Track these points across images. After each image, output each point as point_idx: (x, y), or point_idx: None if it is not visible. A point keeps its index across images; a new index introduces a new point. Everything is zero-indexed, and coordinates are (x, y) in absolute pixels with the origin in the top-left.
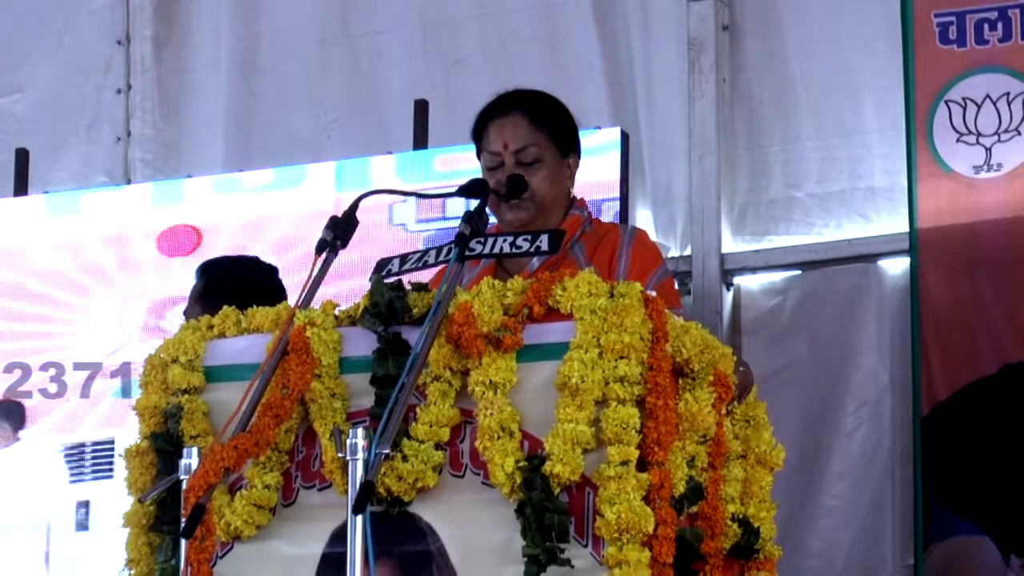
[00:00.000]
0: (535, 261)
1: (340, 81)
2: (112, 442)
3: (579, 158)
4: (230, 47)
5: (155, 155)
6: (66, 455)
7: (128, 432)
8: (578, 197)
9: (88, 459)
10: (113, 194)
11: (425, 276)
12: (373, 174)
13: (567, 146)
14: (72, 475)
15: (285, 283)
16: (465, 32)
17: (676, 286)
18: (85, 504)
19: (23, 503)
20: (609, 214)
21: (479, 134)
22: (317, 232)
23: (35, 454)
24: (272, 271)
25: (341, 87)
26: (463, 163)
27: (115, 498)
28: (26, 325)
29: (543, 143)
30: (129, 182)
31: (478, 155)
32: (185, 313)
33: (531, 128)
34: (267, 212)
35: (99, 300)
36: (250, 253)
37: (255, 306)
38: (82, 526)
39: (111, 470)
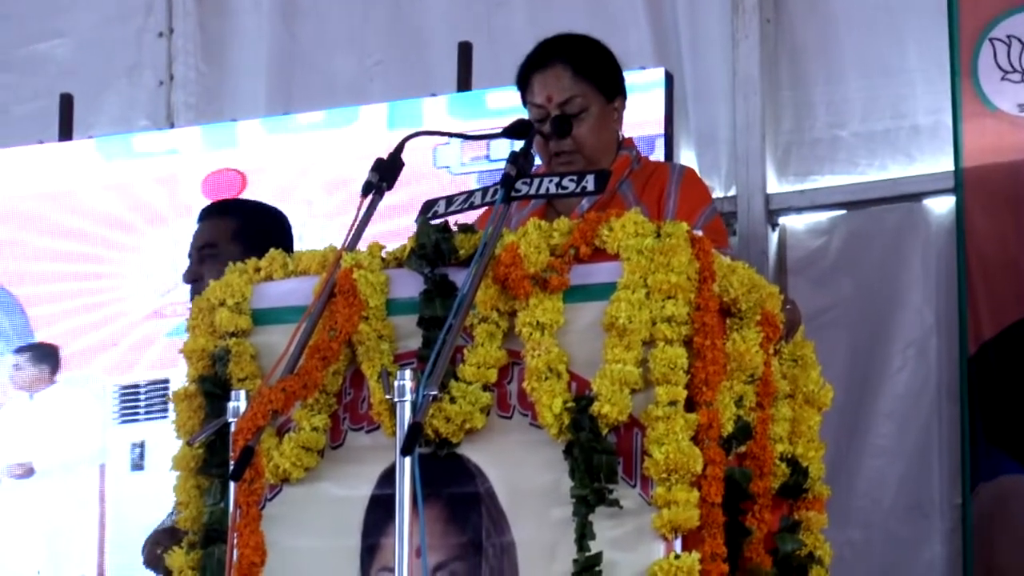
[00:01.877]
0: (584, 202)
1: (382, 23)
2: (167, 382)
3: (625, 99)
4: None
5: (198, 98)
6: (120, 396)
7: (181, 373)
8: (626, 136)
9: (142, 399)
10: (164, 136)
11: (472, 217)
12: (425, 114)
13: (612, 91)
14: (126, 415)
15: (337, 224)
16: None
17: (724, 225)
18: (140, 444)
19: (77, 443)
20: (655, 153)
21: (523, 85)
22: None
23: (87, 394)
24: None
25: (383, 29)
26: (516, 101)
27: (170, 438)
28: (79, 266)
29: (587, 93)
30: (172, 126)
31: (524, 103)
32: (208, 254)
33: (574, 79)
34: (317, 153)
35: (151, 241)
36: (300, 194)
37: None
38: (137, 466)
39: (165, 410)
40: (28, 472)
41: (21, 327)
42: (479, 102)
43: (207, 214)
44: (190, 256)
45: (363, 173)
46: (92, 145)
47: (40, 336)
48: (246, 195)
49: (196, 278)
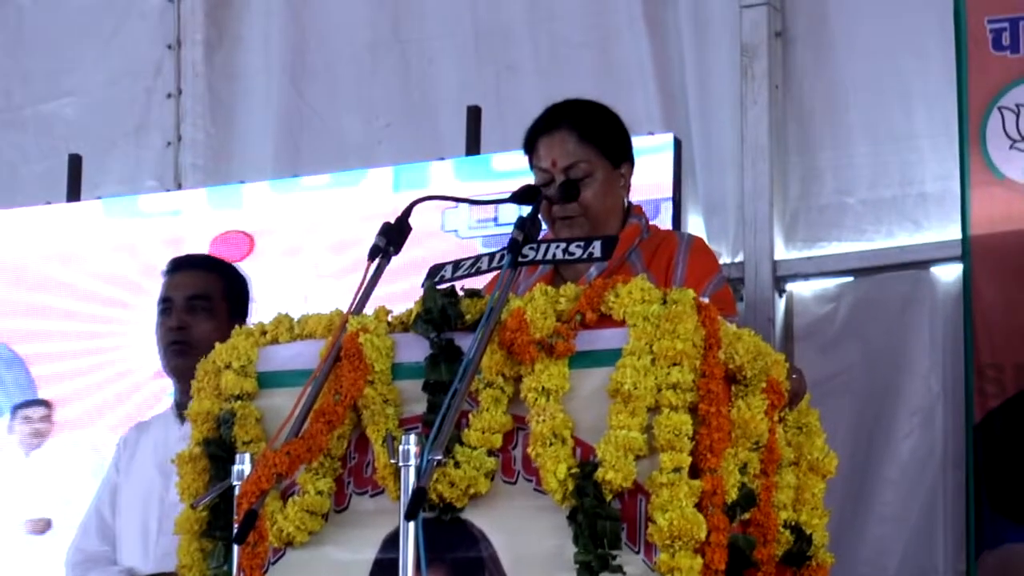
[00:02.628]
0: (593, 270)
1: (391, 86)
2: None
3: (633, 166)
4: (281, 52)
5: (206, 160)
6: None
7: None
8: (635, 204)
9: None
10: (170, 197)
11: (479, 283)
12: (431, 176)
13: (618, 157)
14: None
15: (343, 285)
16: (516, 38)
17: (732, 294)
18: None
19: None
20: (661, 217)
21: (530, 149)
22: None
23: (87, 449)
24: None
25: (392, 92)
26: (522, 163)
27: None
28: (84, 325)
29: (593, 158)
30: (180, 187)
31: (530, 167)
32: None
33: (579, 144)
34: (323, 214)
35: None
36: (307, 255)
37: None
38: None
39: None
40: (47, 527)
41: (25, 385)
42: (484, 165)
43: (192, 265)
44: (169, 301)
45: (369, 234)
46: (99, 206)
47: (43, 394)
48: (253, 257)
49: (183, 326)
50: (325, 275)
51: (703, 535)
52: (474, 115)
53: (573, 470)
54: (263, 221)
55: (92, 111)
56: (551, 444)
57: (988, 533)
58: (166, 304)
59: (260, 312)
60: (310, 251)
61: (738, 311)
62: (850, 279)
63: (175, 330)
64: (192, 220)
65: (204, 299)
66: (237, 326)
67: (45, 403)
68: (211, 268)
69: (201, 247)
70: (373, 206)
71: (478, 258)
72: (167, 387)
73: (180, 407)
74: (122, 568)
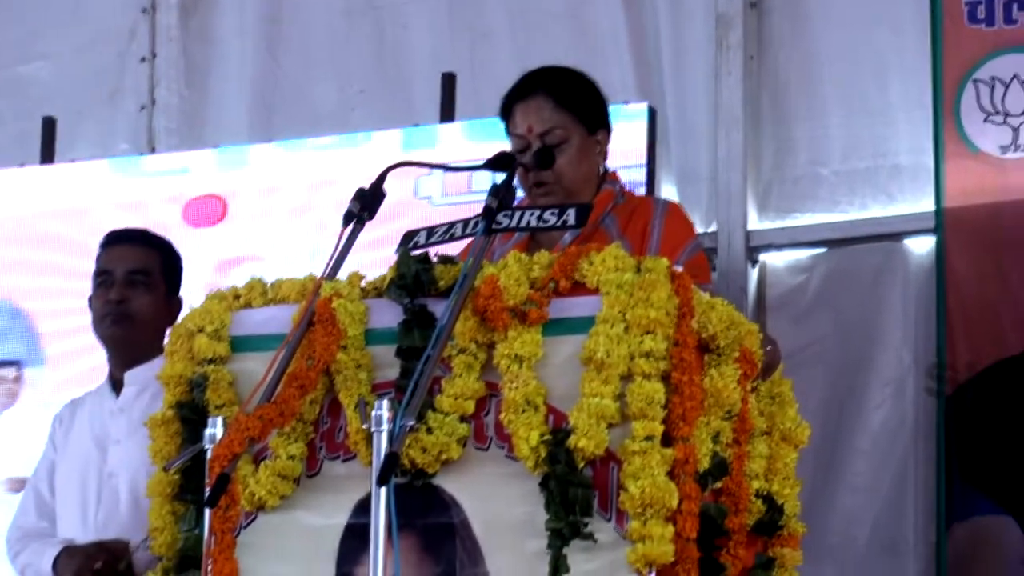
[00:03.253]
0: (567, 236)
1: (365, 53)
2: None
3: (609, 132)
4: (256, 17)
5: (179, 124)
6: None
7: None
8: (610, 170)
9: None
10: (179, 156)
11: (455, 249)
12: (440, 137)
13: (595, 123)
14: None
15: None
16: (491, 5)
17: (707, 261)
18: None
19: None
20: (637, 186)
21: (506, 115)
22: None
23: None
24: None
25: (366, 59)
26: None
27: None
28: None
29: (568, 124)
30: (153, 151)
31: (507, 134)
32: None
33: (555, 110)
34: (331, 173)
35: None
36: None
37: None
38: None
39: None
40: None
41: (30, 341)
42: (494, 126)
43: (130, 239)
44: (108, 274)
45: (435, 175)
46: (105, 164)
47: (50, 352)
48: (261, 215)
49: (123, 299)
50: (332, 233)
51: (675, 503)
52: (448, 82)
53: (545, 437)
54: (270, 179)
55: (66, 74)
56: (523, 411)
57: (958, 505)
58: (105, 276)
59: (272, 271)
60: (317, 209)
61: (713, 279)
62: (823, 250)
63: (114, 303)
64: (198, 179)
65: (144, 274)
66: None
67: (15, 363)
68: (150, 243)
69: (209, 205)
70: (382, 165)
71: (452, 224)
72: None
73: (114, 380)
74: (60, 539)
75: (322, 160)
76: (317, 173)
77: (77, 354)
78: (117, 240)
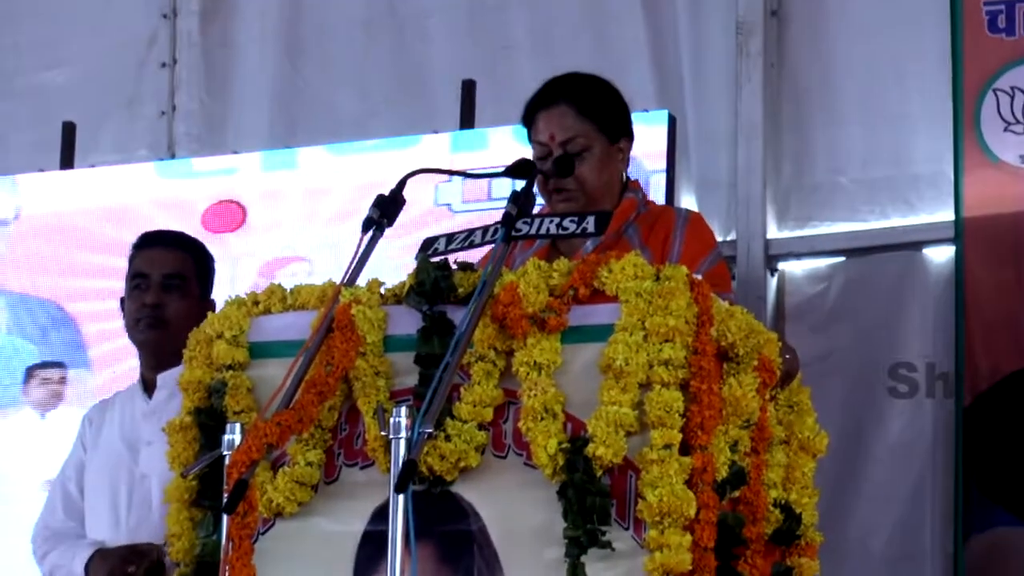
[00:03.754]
0: (589, 244)
1: (386, 60)
2: None
3: (632, 140)
4: (276, 23)
5: (200, 130)
6: None
7: None
8: (632, 179)
9: None
10: (224, 159)
11: (474, 257)
12: (490, 139)
13: (617, 132)
14: None
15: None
16: (512, 15)
17: (728, 271)
18: None
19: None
20: (656, 193)
21: (528, 123)
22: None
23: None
24: None
25: (387, 66)
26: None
27: None
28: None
29: (590, 133)
30: (173, 156)
31: (529, 140)
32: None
33: (577, 118)
34: (379, 175)
35: None
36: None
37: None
38: None
39: None
40: None
41: (76, 344)
42: None
43: (166, 242)
44: (144, 277)
45: (424, 195)
46: (151, 167)
47: (93, 353)
48: (307, 217)
49: (158, 303)
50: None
51: (692, 512)
52: (468, 89)
53: (564, 445)
54: (318, 181)
55: (86, 80)
56: (542, 419)
57: (976, 516)
58: (140, 279)
59: (318, 274)
60: (365, 212)
61: (733, 289)
62: (842, 259)
63: (150, 307)
64: (244, 179)
65: (179, 278)
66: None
67: (60, 364)
68: (185, 247)
69: (255, 207)
70: (462, 157)
71: (471, 231)
72: None
73: (146, 382)
74: (91, 541)
75: (370, 162)
76: (365, 175)
77: (120, 356)
78: (151, 243)
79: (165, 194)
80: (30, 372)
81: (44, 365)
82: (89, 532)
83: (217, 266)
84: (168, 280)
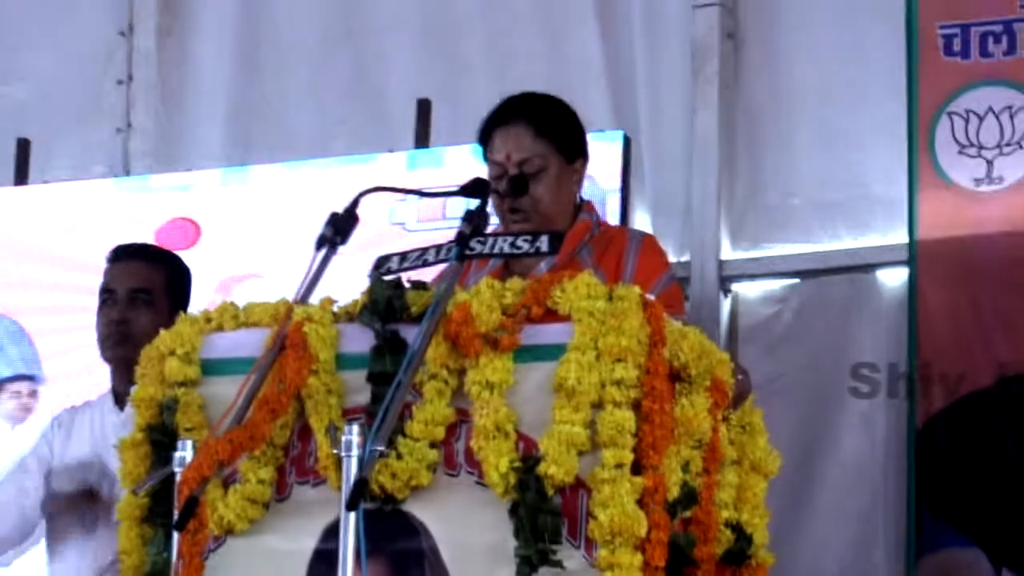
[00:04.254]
0: (543, 265)
1: (342, 78)
2: None
3: (587, 162)
4: (233, 41)
5: (156, 147)
6: None
7: None
8: (586, 200)
9: None
10: (182, 176)
11: (426, 275)
12: (446, 158)
13: (573, 152)
14: None
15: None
16: (468, 32)
17: (681, 293)
18: None
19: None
20: (611, 213)
21: (484, 141)
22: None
23: None
24: None
25: (343, 84)
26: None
27: None
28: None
29: (547, 153)
30: (128, 174)
31: (484, 159)
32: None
33: (535, 138)
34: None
35: None
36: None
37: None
38: None
39: None
40: None
41: (30, 359)
42: None
43: (134, 255)
44: (111, 293)
45: (381, 211)
46: (110, 183)
47: (48, 368)
48: (259, 234)
49: (124, 319)
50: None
51: (643, 532)
52: (424, 108)
53: (515, 464)
54: (274, 198)
55: (42, 95)
56: (494, 437)
57: (928, 537)
58: (108, 295)
59: (272, 290)
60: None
61: (686, 310)
62: (796, 281)
63: (116, 323)
64: (202, 196)
65: (145, 292)
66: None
67: (31, 378)
68: (154, 259)
69: (210, 224)
70: (388, 183)
71: (425, 250)
72: None
73: (117, 394)
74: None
75: (327, 178)
76: (321, 191)
77: (76, 373)
78: (120, 256)
79: (119, 211)
80: (1, 385)
81: (14, 379)
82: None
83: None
84: (134, 294)
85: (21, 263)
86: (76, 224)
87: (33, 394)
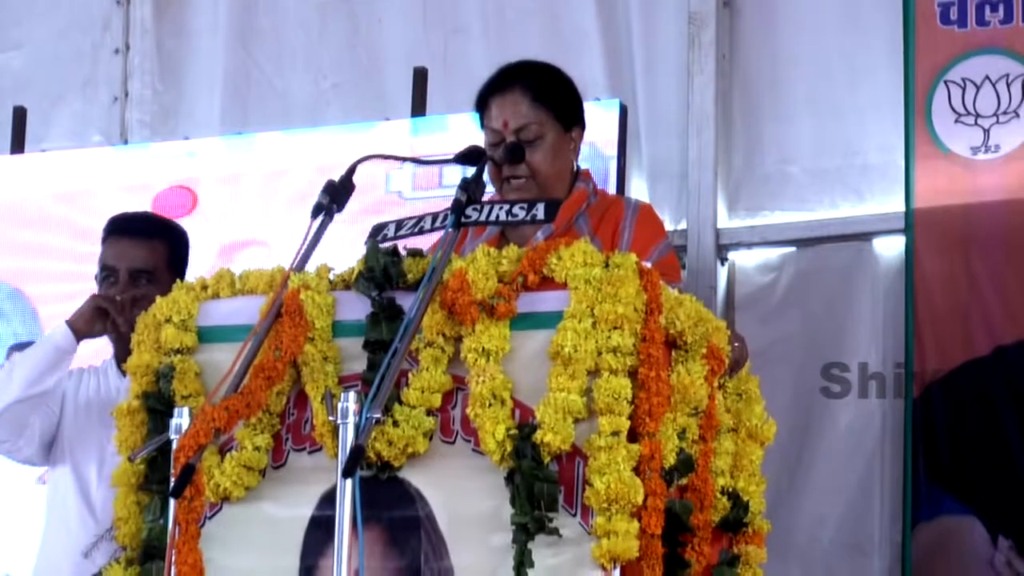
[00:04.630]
0: (539, 233)
1: (339, 47)
2: None
3: (583, 130)
4: (229, 10)
5: (152, 117)
6: None
7: None
8: (583, 169)
9: None
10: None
11: (423, 243)
12: (450, 124)
13: (570, 120)
14: None
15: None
16: (465, 1)
17: (678, 261)
18: None
19: None
20: (607, 182)
21: (482, 108)
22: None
23: None
24: None
25: (340, 53)
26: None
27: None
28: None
29: (544, 120)
30: (126, 143)
31: (481, 126)
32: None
33: (532, 105)
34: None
35: None
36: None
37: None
38: None
39: None
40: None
41: (32, 326)
42: None
43: (134, 233)
44: (112, 271)
45: (384, 177)
46: (108, 150)
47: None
48: (267, 197)
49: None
50: (340, 218)
51: (640, 499)
52: (420, 77)
53: (511, 431)
54: (276, 164)
55: (39, 65)
56: (490, 405)
57: (924, 506)
58: (109, 273)
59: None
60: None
61: (683, 278)
62: (792, 249)
63: None
64: (205, 162)
65: (147, 273)
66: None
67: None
68: (154, 235)
69: (209, 192)
70: (390, 150)
71: (421, 218)
72: None
73: (119, 360)
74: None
75: (330, 144)
76: (325, 157)
77: None
78: (120, 232)
79: (117, 178)
80: (10, 353)
81: (19, 347)
82: (64, 500)
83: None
84: (136, 275)
85: (22, 229)
86: (74, 192)
87: None
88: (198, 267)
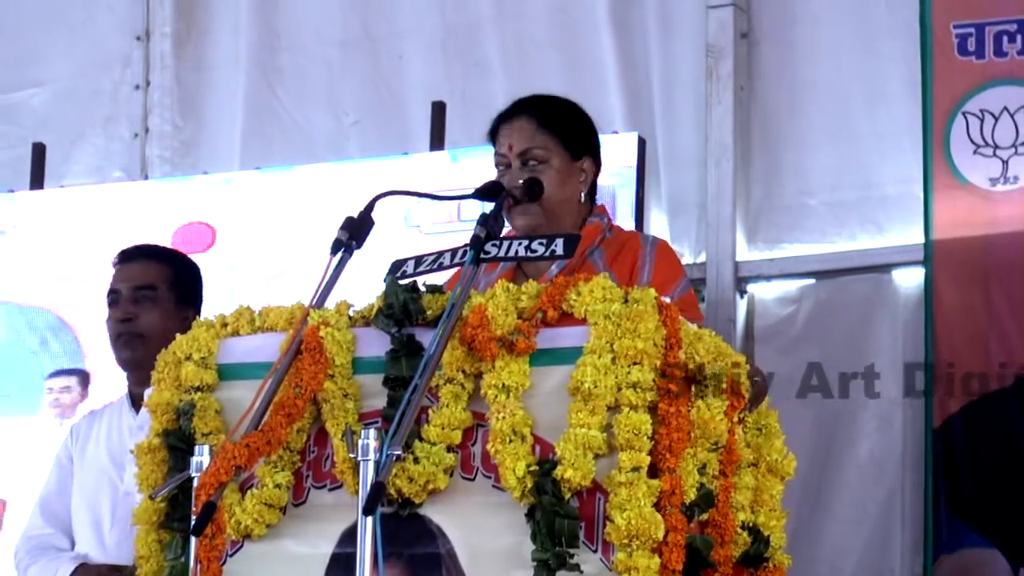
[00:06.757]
0: (554, 267)
1: (359, 81)
2: None
3: (598, 165)
4: (250, 45)
5: (173, 152)
6: None
7: None
8: (598, 203)
9: None
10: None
11: (441, 279)
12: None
13: (579, 149)
14: None
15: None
16: (484, 35)
17: (697, 298)
18: None
19: None
20: (626, 215)
21: (493, 138)
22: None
23: None
24: None
25: (360, 88)
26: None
27: None
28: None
29: (550, 146)
30: (146, 178)
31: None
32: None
33: (537, 130)
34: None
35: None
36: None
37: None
38: None
39: None
40: None
41: (74, 353)
42: None
43: (138, 255)
44: (116, 293)
45: (428, 207)
46: (127, 186)
47: (90, 363)
48: (306, 231)
49: (129, 317)
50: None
51: (661, 535)
52: (439, 111)
53: (532, 468)
54: (295, 199)
55: (60, 101)
56: (510, 441)
57: (946, 537)
58: (113, 296)
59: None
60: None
61: (703, 314)
62: (811, 281)
63: (122, 322)
64: (241, 192)
65: (149, 289)
66: (195, 317)
67: (82, 372)
68: (157, 257)
69: (228, 228)
70: (432, 178)
71: (440, 254)
72: None
73: (133, 396)
74: (74, 555)
75: (345, 179)
76: (346, 192)
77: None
78: (124, 259)
79: (136, 214)
80: (49, 380)
81: (60, 373)
82: (75, 546)
83: (214, 277)
84: (138, 292)
85: (56, 261)
86: (93, 227)
87: (84, 387)
88: (217, 303)
